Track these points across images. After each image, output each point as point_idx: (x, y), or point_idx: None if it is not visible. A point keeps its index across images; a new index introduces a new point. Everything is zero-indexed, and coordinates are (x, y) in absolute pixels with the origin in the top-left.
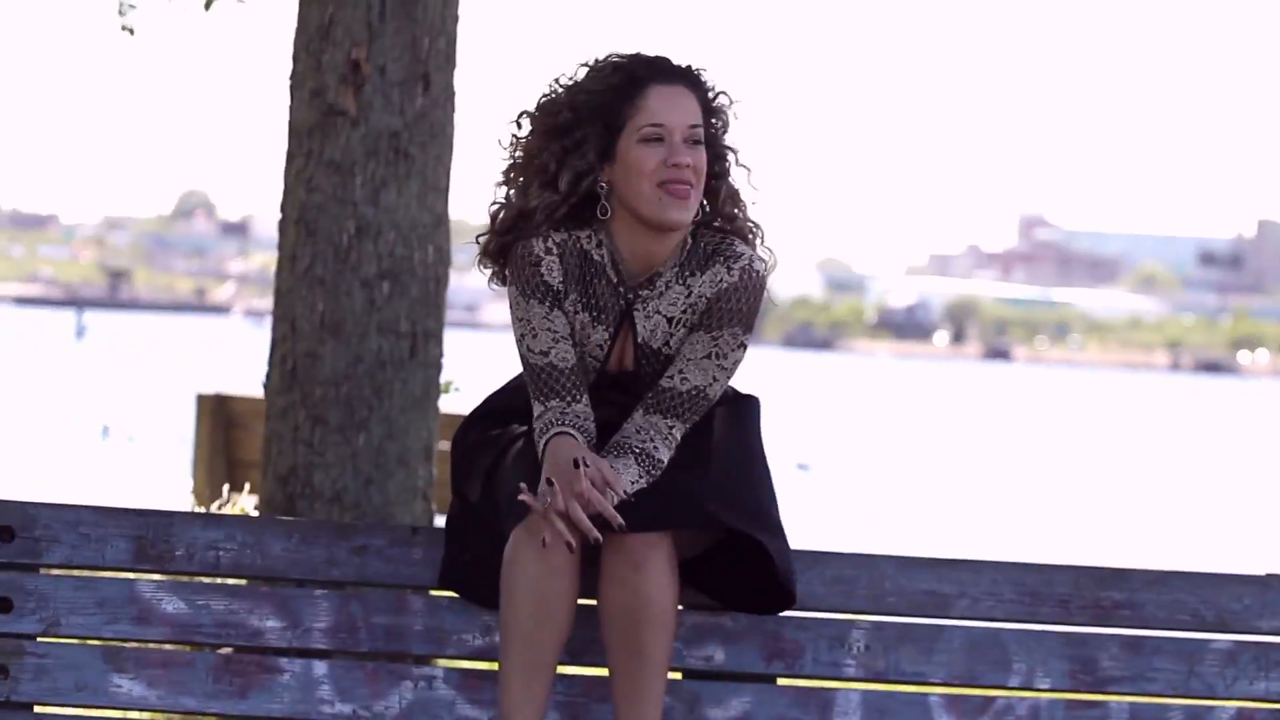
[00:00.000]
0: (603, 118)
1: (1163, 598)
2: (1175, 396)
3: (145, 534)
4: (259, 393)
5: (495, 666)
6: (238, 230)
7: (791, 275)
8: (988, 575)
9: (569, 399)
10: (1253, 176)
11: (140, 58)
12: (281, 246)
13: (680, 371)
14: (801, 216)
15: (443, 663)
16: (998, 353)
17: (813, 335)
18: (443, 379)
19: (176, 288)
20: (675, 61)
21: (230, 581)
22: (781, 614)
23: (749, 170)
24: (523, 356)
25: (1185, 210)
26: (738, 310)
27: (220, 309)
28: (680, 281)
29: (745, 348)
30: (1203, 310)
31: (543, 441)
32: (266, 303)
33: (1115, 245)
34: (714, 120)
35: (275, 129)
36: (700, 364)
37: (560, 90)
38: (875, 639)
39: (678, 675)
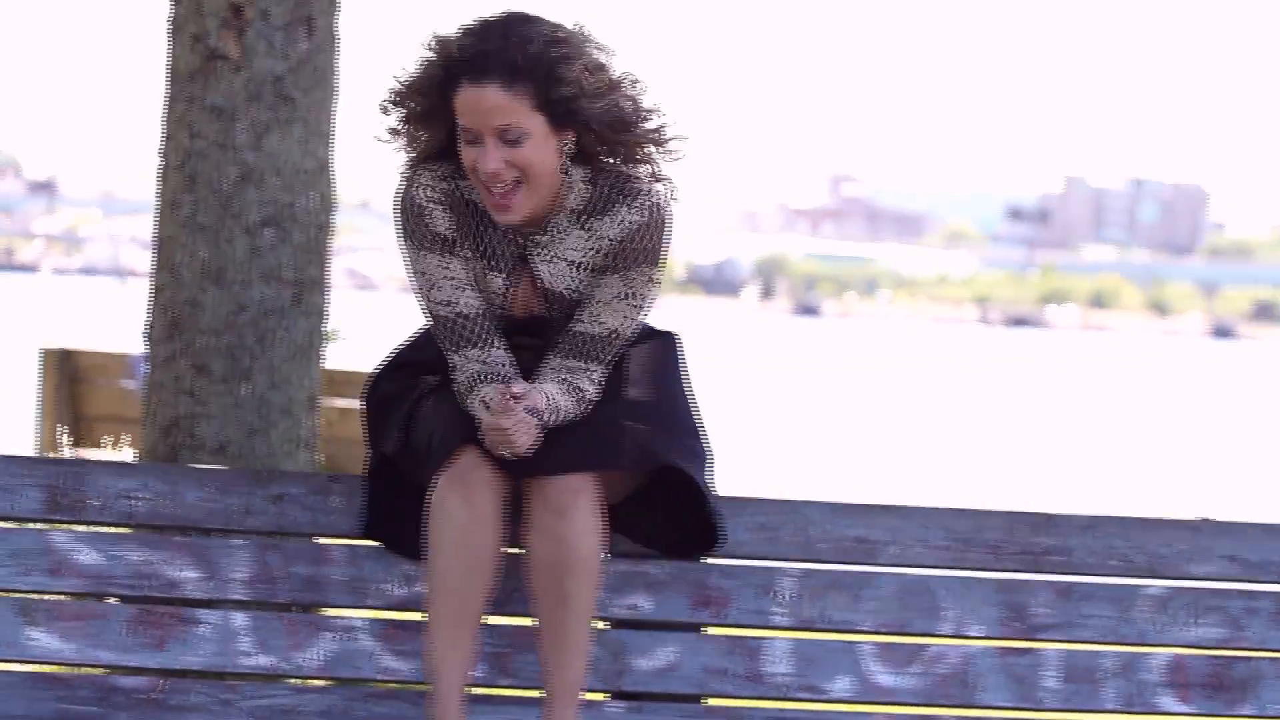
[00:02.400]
0: (439, 110)
1: (1094, 543)
2: (985, 350)
3: (58, 483)
4: (103, 347)
5: (418, 617)
6: (44, 189)
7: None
8: (917, 521)
9: (485, 344)
10: (1060, 133)
11: None
12: (161, 193)
13: (593, 315)
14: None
15: (364, 613)
16: (807, 309)
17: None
18: (326, 328)
19: None
20: (489, 40)
21: (145, 532)
22: (708, 561)
23: (630, 91)
24: (428, 310)
25: (993, 167)
26: (646, 248)
27: (28, 267)
28: (580, 225)
29: (657, 283)
30: (1011, 266)
31: (473, 398)
32: (73, 260)
33: (923, 202)
34: (559, 97)
35: (82, 86)
36: (612, 306)
37: (407, 82)
38: (804, 587)
39: (603, 624)
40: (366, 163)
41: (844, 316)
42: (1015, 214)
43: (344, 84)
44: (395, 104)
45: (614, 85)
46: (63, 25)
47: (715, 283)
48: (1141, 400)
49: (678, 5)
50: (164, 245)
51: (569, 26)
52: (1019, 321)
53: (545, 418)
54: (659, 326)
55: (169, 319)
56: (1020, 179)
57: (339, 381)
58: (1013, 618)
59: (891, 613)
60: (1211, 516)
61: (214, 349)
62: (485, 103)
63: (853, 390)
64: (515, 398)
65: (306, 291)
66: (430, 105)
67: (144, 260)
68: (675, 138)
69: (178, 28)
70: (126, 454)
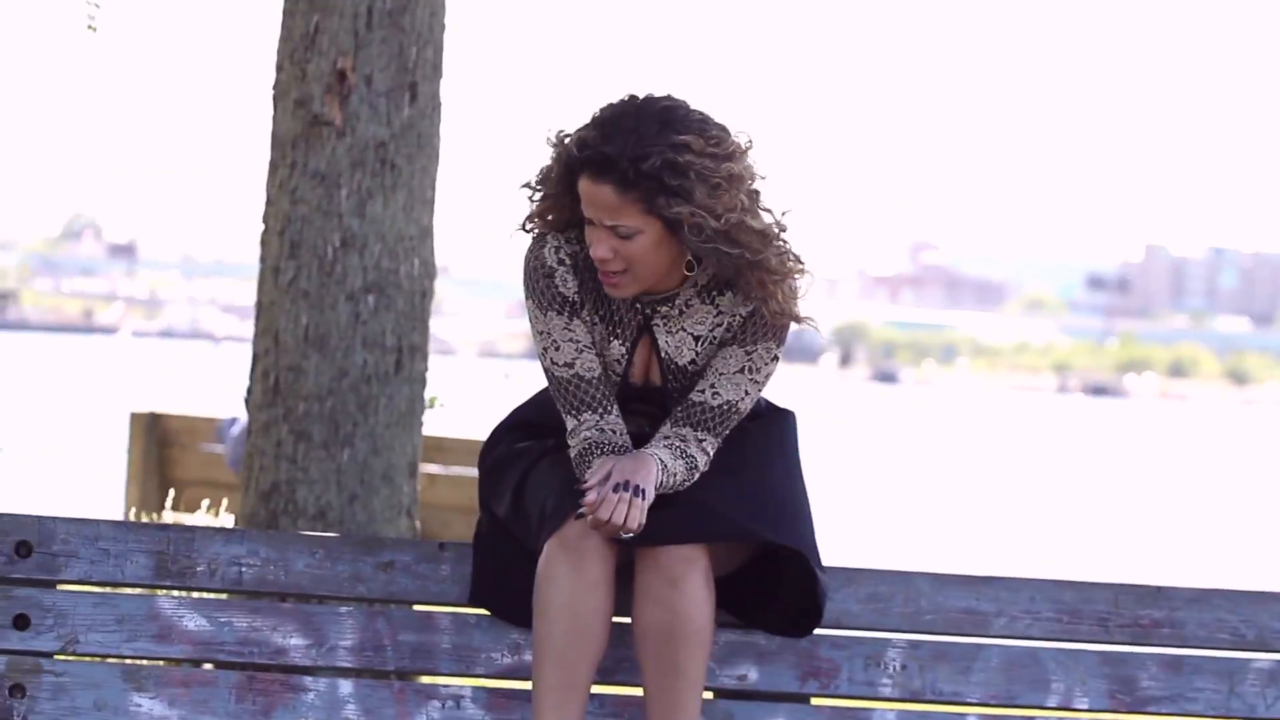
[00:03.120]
0: (567, 193)
1: (1203, 616)
2: (1063, 418)
3: (166, 549)
4: (191, 411)
5: (524, 685)
6: (125, 252)
7: None
8: (1025, 593)
9: (600, 410)
10: (1140, 202)
11: (22, 77)
12: (264, 259)
13: (712, 386)
14: None
15: (471, 681)
16: (885, 375)
17: None
18: (427, 394)
19: (64, 309)
20: (610, 141)
21: (253, 599)
22: (816, 632)
23: (760, 218)
24: (547, 370)
25: (1073, 235)
26: (771, 325)
27: (108, 329)
28: (707, 301)
29: (778, 360)
30: (1090, 334)
31: (587, 463)
32: (153, 323)
33: (1003, 269)
34: (671, 207)
35: (161, 150)
36: (733, 379)
37: (539, 176)
38: (911, 658)
39: (710, 695)
40: (446, 228)
41: (922, 384)
42: (1095, 282)
43: (444, 150)
44: (530, 189)
45: (734, 208)
46: (142, 84)
47: (794, 349)
48: (1221, 470)
49: (757, 67)
50: (265, 311)
51: (704, 127)
52: (1097, 390)
53: (659, 479)
54: (779, 404)
55: (270, 384)
56: (1100, 247)
57: (429, 447)
58: (1121, 690)
59: (999, 684)
60: None
61: (315, 415)
62: (598, 199)
63: (932, 457)
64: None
65: (407, 358)
66: (558, 192)
67: (222, 323)
68: (800, 271)
69: (281, 93)
70: (224, 519)
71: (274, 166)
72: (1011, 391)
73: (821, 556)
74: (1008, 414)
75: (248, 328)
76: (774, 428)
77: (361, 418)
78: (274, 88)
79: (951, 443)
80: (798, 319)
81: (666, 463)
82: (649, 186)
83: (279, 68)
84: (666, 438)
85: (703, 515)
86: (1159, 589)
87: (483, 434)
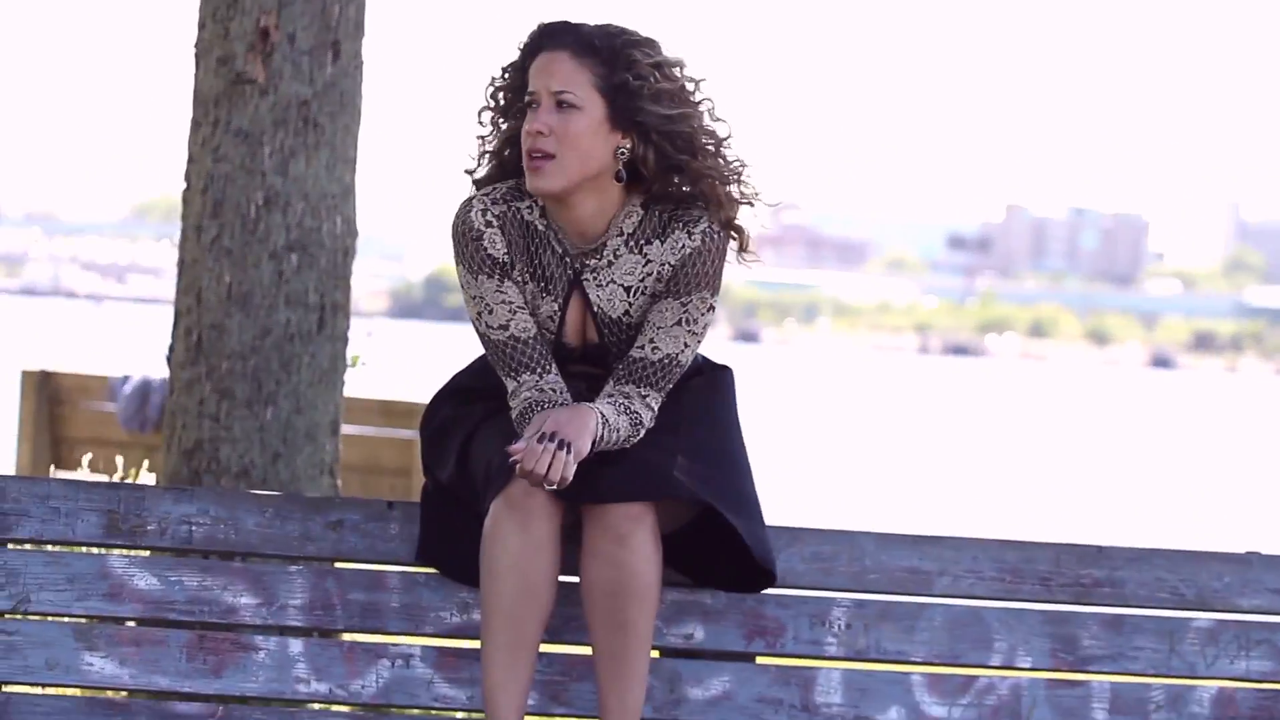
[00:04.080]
0: (518, 89)
1: (1143, 575)
2: (924, 377)
3: (117, 508)
4: (83, 369)
5: (473, 644)
6: None
7: None
8: (969, 552)
9: (539, 370)
10: (1001, 162)
11: None
12: (186, 217)
13: (651, 340)
14: None
15: (420, 640)
16: (746, 335)
17: None
18: (349, 353)
19: None
20: (577, 22)
21: (203, 558)
22: (762, 592)
23: (704, 120)
24: (482, 335)
25: (934, 195)
26: (704, 273)
27: None
28: (635, 250)
29: (714, 310)
30: (951, 294)
31: (528, 421)
32: (14, 281)
33: (864, 229)
34: (622, 83)
35: (25, 106)
36: (670, 331)
37: (499, 72)
38: (856, 617)
39: (657, 653)
40: (367, 190)
41: (783, 344)
42: (956, 242)
43: (366, 108)
44: (491, 89)
45: (686, 100)
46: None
47: None
48: (1079, 429)
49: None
50: (188, 269)
51: (661, 44)
52: (958, 350)
53: (599, 433)
54: (715, 360)
55: (193, 342)
56: (961, 207)
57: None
58: (1063, 649)
59: (943, 643)
60: (1259, 549)
61: (238, 373)
62: (552, 65)
63: (797, 417)
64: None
65: (330, 316)
66: (515, 83)
67: (84, 280)
68: (745, 175)
69: (203, 51)
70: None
71: (196, 124)
72: (873, 351)
73: (761, 510)
74: (870, 373)
75: (109, 285)
76: (714, 384)
77: (284, 376)
78: (195, 46)
79: (815, 402)
80: (739, 231)
81: (609, 417)
82: (607, 57)
83: (201, 25)
84: (610, 395)
85: (649, 473)
86: (1100, 549)
87: (372, 392)
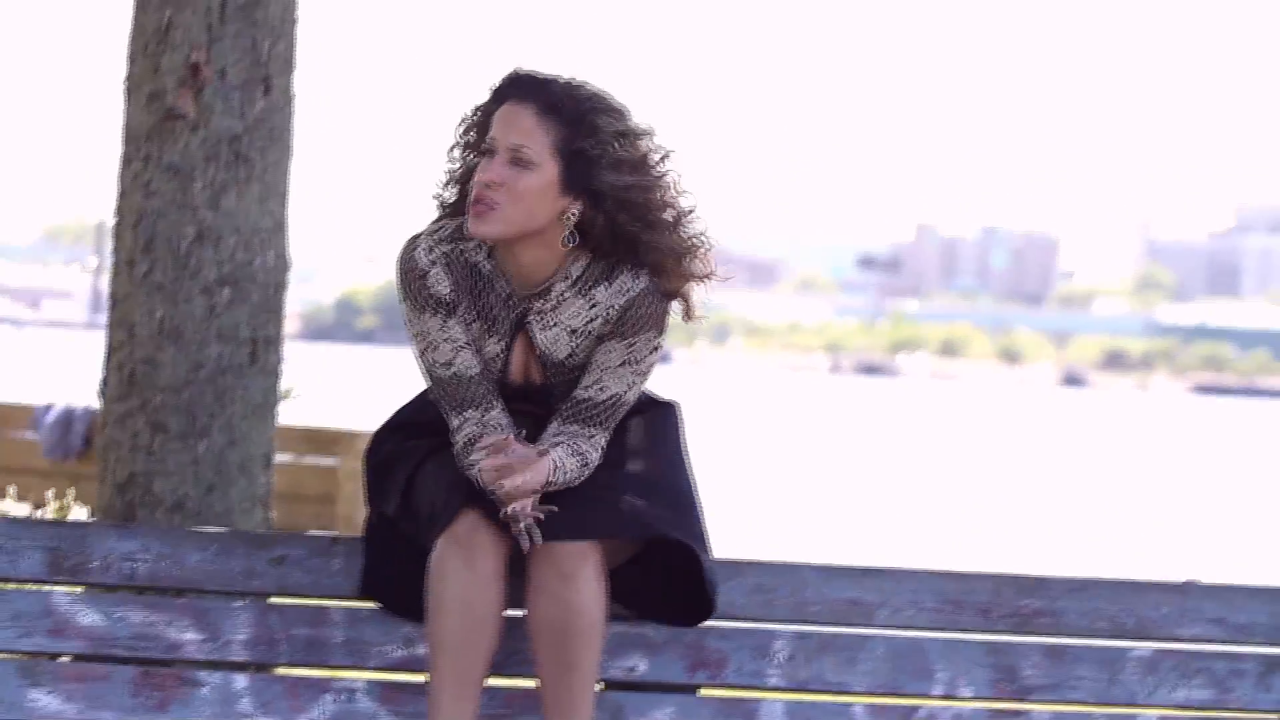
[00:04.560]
0: (484, 129)
1: (1083, 605)
2: (836, 397)
3: (60, 545)
4: (6, 399)
5: (417, 678)
6: None
7: None
8: (909, 584)
9: (484, 406)
10: (911, 181)
11: None
12: (117, 251)
13: (597, 381)
14: None
15: (364, 675)
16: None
17: None
18: (281, 386)
19: None
20: (547, 78)
21: (146, 594)
22: (703, 624)
23: (664, 193)
24: (427, 371)
25: (844, 215)
26: (649, 315)
27: None
28: (581, 294)
29: (659, 350)
30: (862, 313)
31: (470, 460)
32: None
33: (774, 249)
34: (582, 149)
35: None
36: (616, 372)
37: (469, 113)
38: (798, 648)
39: (601, 686)
40: (316, 220)
41: (695, 363)
42: (866, 262)
43: (296, 142)
44: (461, 125)
45: (647, 171)
46: None
47: None
48: (993, 447)
49: (540, 48)
50: (120, 303)
51: (631, 113)
52: (870, 369)
53: (551, 476)
54: (660, 396)
55: (125, 376)
56: (871, 226)
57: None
58: (1004, 679)
59: (884, 674)
60: (1197, 579)
61: (171, 406)
62: (514, 118)
63: (707, 438)
64: (506, 439)
65: (263, 350)
66: (481, 123)
67: None
68: (702, 251)
69: (134, 86)
70: (24, 508)
71: (127, 160)
72: (785, 371)
73: (709, 543)
74: (782, 393)
75: (20, 310)
76: (658, 420)
77: (218, 409)
78: (126, 80)
79: (729, 423)
80: (685, 299)
81: (559, 461)
82: (570, 119)
83: (131, 60)
84: (557, 435)
85: (594, 511)
86: (1039, 579)
87: (294, 419)
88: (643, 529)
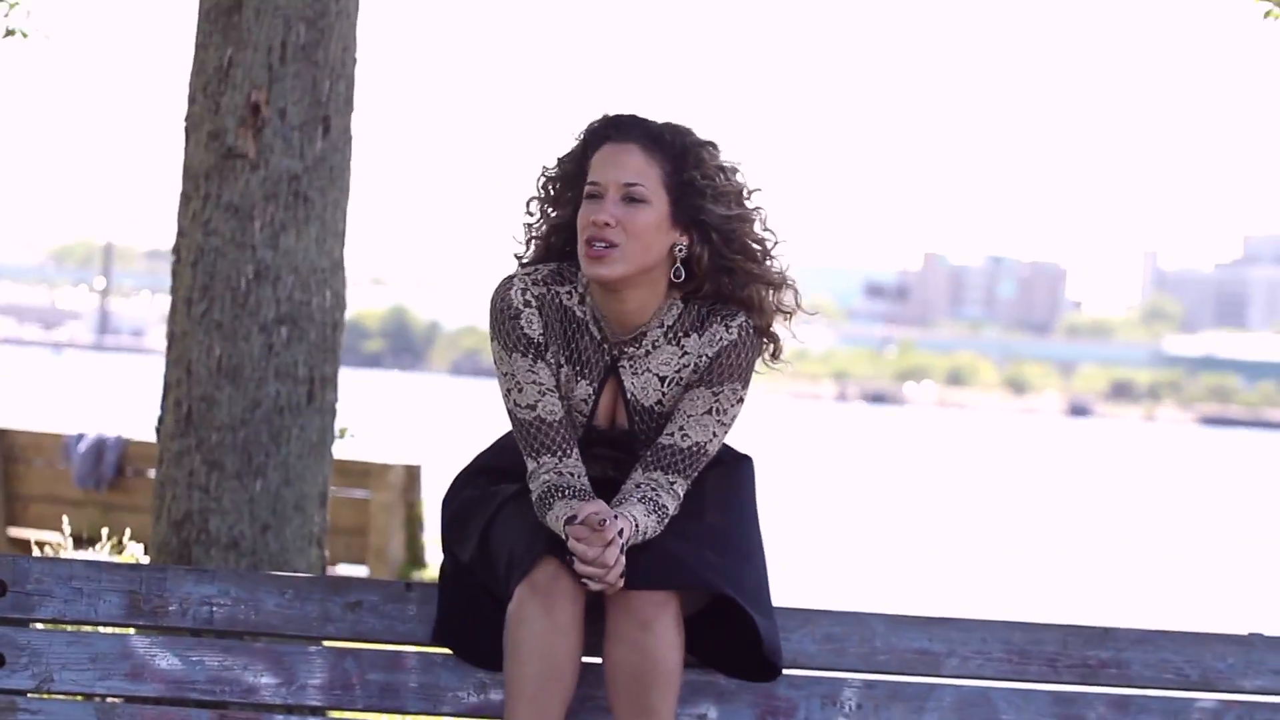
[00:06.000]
0: (574, 179)
1: (1149, 656)
2: (842, 426)
3: (138, 588)
4: (37, 426)
5: None
6: None
7: (460, 305)
8: (977, 634)
9: (560, 454)
10: (918, 209)
11: None
12: (175, 289)
13: (681, 428)
14: (468, 255)
15: None
16: None
17: (479, 364)
18: (337, 425)
19: None
20: (646, 118)
21: (224, 638)
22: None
23: (759, 226)
24: (510, 412)
25: (851, 243)
26: (737, 366)
27: None
28: (673, 342)
29: (743, 402)
30: (869, 342)
31: (550, 514)
32: None
33: None
34: (689, 180)
35: None
36: (700, 420)
37: (553, 163)
38: (867, 697)
39: None
40: (366, 259)
41: None
42: (874, 290)
43: (354, 182)
44: (542, 178)
45: (744, 204)
46: None
47: None
48: (1000, 477)
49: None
50: (177, 341)
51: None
52: (876, 398)
53: (628, 541)
54: (737, 450)
55: (183, 414)
56: (879, 255)
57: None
58: None
59: None
60: (1261, 631)
61: (228, 445)
62: (621, 157)
63: None
64: (603, 523)
65: (319, 389)
66: (569, 172)
67: (3, 327)
68: (789, 285)
69: (194, 125)
70: (56, 537)
71: (186, 198)
72: (791, 399)
73: (772, 602)
74: (788, 422)
75: (26, 330)
76: (735, 473)
77: (274, 448)
78: (186, 120)
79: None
80: (774, 339)
81: (638, 520)
82: (676, 153)
83: (191, 100)
84: (639, 486)
85: (674, 562)
86: (1106, 630)
87: None
88: (719, 583)
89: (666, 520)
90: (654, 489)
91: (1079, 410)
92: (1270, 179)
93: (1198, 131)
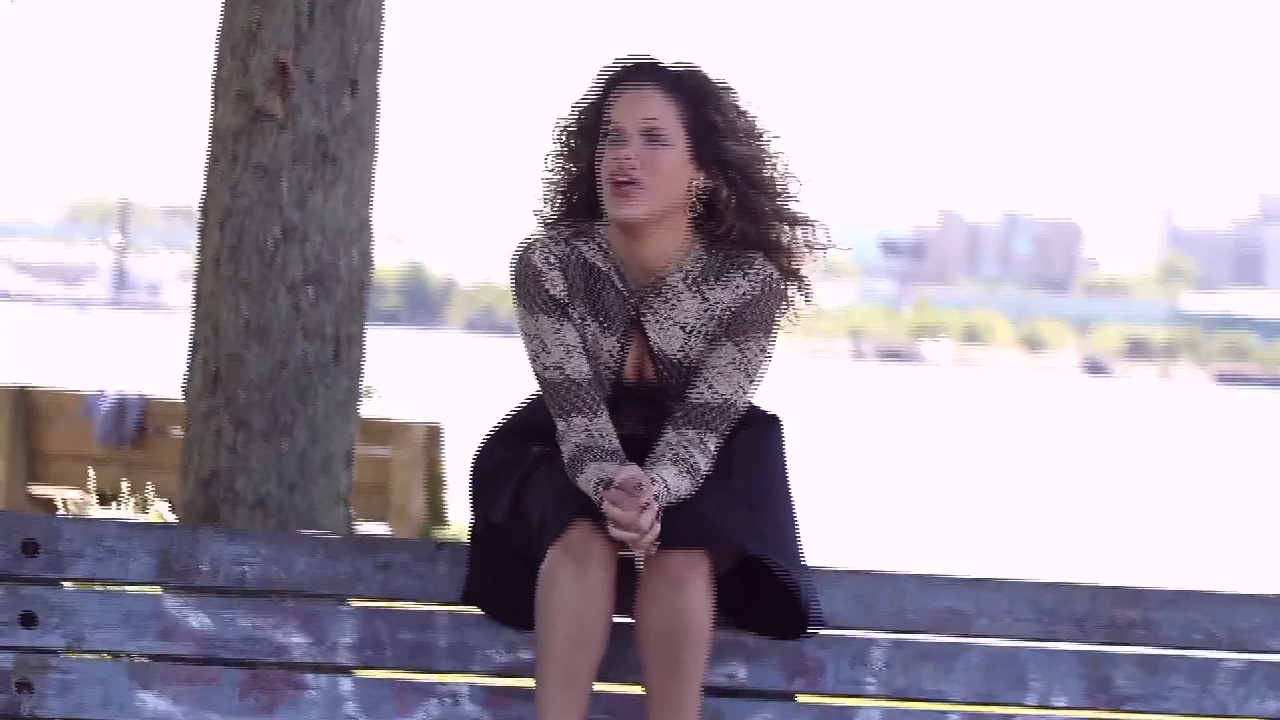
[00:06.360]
0: (590, 128)
1: (1177, 616)
2: (858, 383)
3: (170, 548)
4: (59, 385)
5: (520, 683)
6: None
7: (476, 262)
8: (1006, 594)
9: (590, 414)
10: (934, 166)
11: None
12: (203, 250)
13: (708, 383)
14: (483, 212)
15: (469, 679)
16: None
17: (495, 320)
18: (363, 384)
19: None
20: (662, 62)
21: (255, 597)
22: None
23: (780, 166)
24: (538, 374)
25: (867, 200)
26: (761, 318)
27: None
28: (695, 291)
29: (770, 356)
30: (885, 299)
31: (582, 476)
32: None
33: None
34: (710, 120)
35: None
36: (726, 374)
37: (568, 113)
38: (895, 657)
39: None
40: (394, 218)
41: None
42: (890, 247)
43: (381, 143)
44: (558, 130)
45: (761, 143)
46: None
47: None
48: (1016, 436)
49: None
50: (204, 301)
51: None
52: (892, 355)
53: (662, 503)
54: (765, 410)
55: (210, 374)
56: (894, 212)
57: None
58: (1098, 689)
59: (980, 683)
60: None
61: (255, 404)
62: (641, 100)
63: None
64: (638, 487)
65: (346, 348)
66: (586, 122)
67: (16, 282)
68: (818, 225)
69: (222, 86)
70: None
71: (214, 159)
72: (807, 356)
73: (805, 561)
74: (805, 379)
75: (42, 287)
76: (765, 434)
77: (301, 407)
78: (214, 81)
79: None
80: (802, 280)
81: (670, 483)
82: (694, 93)
83: (219, 61)
84: (671, 445)
85: (706, 522)
86: (1135, 591)
87: None
88: (751, 544)
89: (700, 479)
90: (686, 448)
91: (1095, 368)
92: None
93: (1214, 88)
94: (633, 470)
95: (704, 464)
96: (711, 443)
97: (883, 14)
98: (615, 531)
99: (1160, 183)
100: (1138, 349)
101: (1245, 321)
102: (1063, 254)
